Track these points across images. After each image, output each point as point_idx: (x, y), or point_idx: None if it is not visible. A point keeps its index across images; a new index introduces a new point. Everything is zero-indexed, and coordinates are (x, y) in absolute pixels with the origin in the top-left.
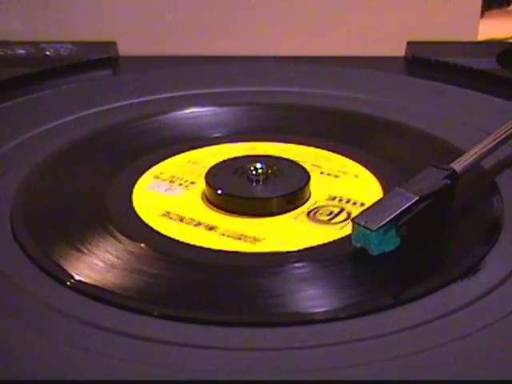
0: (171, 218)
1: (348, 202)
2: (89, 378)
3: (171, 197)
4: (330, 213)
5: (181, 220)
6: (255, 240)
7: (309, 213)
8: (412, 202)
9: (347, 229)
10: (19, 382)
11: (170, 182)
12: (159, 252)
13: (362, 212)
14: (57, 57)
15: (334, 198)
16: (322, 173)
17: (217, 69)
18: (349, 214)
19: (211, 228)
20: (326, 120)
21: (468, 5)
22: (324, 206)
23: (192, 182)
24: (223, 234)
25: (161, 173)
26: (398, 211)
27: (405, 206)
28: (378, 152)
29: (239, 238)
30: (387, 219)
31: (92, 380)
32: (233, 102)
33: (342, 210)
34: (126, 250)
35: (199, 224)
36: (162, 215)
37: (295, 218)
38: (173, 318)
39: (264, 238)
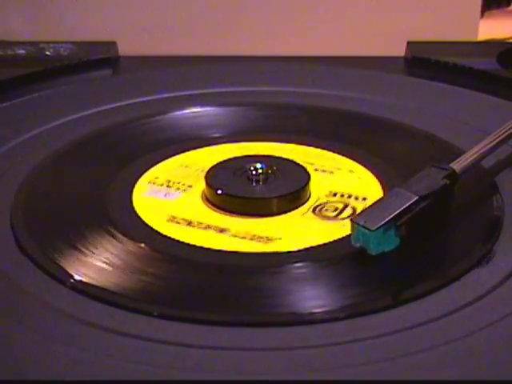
0: (171, 219)
1: (350, 197)
2: (89, 378)
3: (171, 196)
4: (335, 209)
5: (180, 219)
6: (265, 240)
7: (314, 210)
8: (411, 201)
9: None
10: (19, 381)
11: (170, 181)
12: (159, 252)
13: (361, 212)
14: (57, 57)
15: (335, 195)
16: (322, 172)
17: (217, 69)
18: (354, 209)
19: (210, 228)
20: (326, 120)
21: (468, 5)
22: (327, 203)
23: (192, 183)
24: (223, 234)
25: (161, 173)
26: (398, 211)
27: (404, 206)
28: (378, 152)
29: (243, 238)
30: (386, 219)
31: (92, 380)
32: (232, 102)
33: (346, 206)
34: (126, 249)
35: (199, 223)
36: (162, 215)
37: (302, 215)
38: (173, 318)
39: (269, 238)
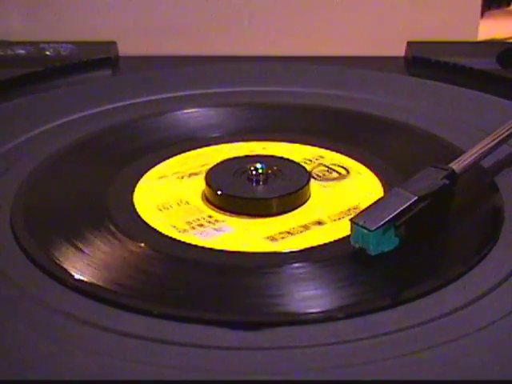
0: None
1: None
2: (89, 378)
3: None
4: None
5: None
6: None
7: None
8: (411, 201)
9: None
10: (19, 381)
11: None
12: (159, 252)
13: (360, 212)
14: (57, 57)
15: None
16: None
17: (217, 69)
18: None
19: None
20: (326, 120)
21: (468, 5)
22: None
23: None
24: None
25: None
26: (397, 211)
27: (403, 206)
28: (377, 152)
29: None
30: (386, 219)
31: (92, 380)
32: (232, 102)
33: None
34: (126, 249)
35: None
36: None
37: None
38: (173, 318)
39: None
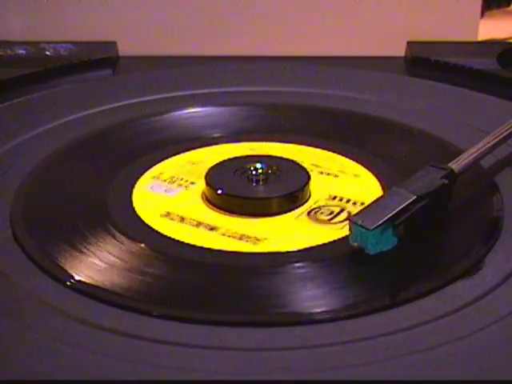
0: (172, 219)
1: (348, 201)
2: (89, 378)
3: (171, 197)
4: (331, 213)
5: (181, 220)
6: (256, 240)
7: (309, 212)
8: (409, 201)
9: (347, 229)
10: (19, 381)
11: (170, 182)
12: (159, 252)
13: (359, 211)
14: (57, 57)
15: (334, 198)
16: (321, 173)
17: (217, 69)
18: (349, 214)
19: (212, 228)
20: (326, 120)
21: (468, 5)
22: (324, 206)
23: (192, 183)
24: (223, 234)
25: (160, 173)
26: (396, 210)
27: (402, 206)
28: (377, 152)
29: (240, 238)
30: (384, 218)
31: (92, 380)
32: (232, 102)
33: (342, 210)
34: (126, 249)
35: (200, 224)
36: (162, 215)
37: (296, 217)
38: (173, 318)
39: (265, 238)
